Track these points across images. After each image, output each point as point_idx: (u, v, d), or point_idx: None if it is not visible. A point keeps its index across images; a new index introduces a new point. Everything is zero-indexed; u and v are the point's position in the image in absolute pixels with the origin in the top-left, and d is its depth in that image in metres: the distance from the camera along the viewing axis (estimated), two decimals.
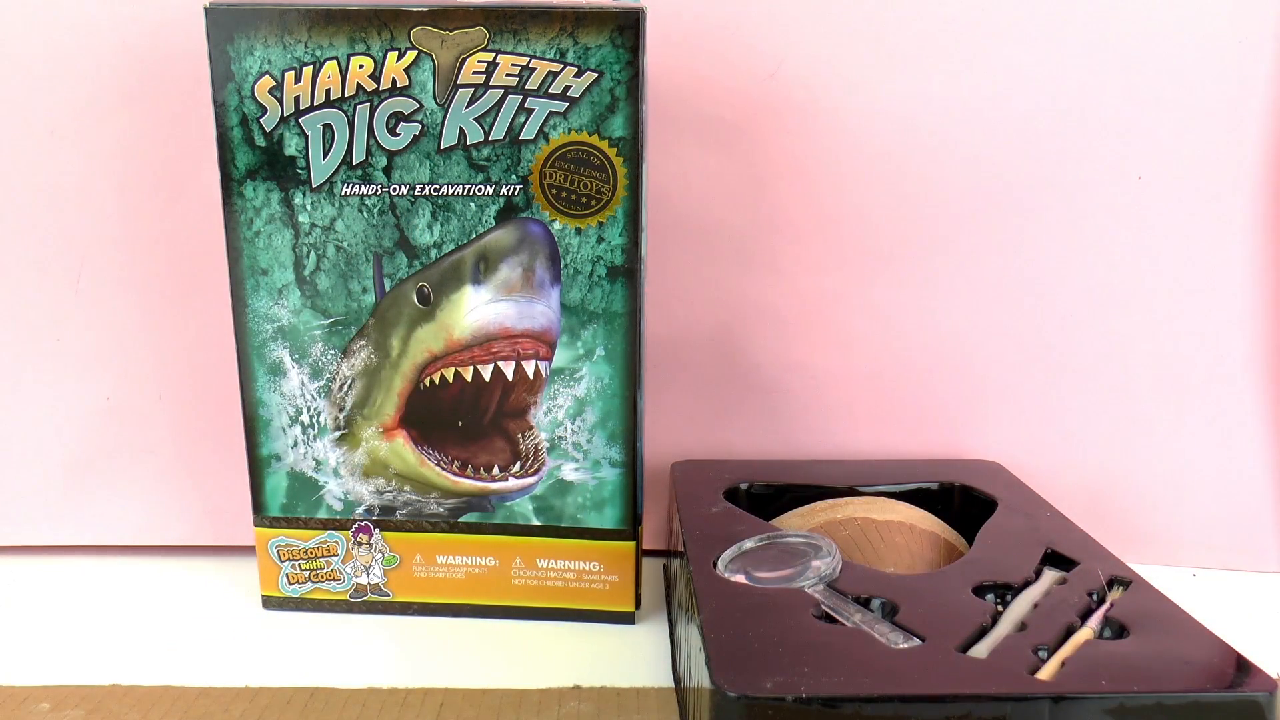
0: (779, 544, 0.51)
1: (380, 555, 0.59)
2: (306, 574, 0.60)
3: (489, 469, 0.57)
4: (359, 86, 0.53)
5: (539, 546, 0.58)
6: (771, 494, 0.62)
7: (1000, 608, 0.46)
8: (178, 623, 0.60)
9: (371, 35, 0.52)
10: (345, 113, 0.53)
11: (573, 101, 0.53)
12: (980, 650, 0.42)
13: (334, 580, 0.60)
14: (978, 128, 0.64)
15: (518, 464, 0.57)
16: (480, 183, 0.54)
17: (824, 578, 0.47)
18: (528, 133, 0.53)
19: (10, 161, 0.64)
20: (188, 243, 0.65)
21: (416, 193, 0.54)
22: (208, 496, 0.68)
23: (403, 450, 0.58)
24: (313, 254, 0.55)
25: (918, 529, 0.55)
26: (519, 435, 0.57)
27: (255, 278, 0.56)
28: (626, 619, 0.59)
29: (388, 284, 0.56)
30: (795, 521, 0.56)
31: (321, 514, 0.59)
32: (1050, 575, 0.49)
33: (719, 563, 0.49)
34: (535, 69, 0.52)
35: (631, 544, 0.58)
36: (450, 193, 0.54)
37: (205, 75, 0.55)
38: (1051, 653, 0.41)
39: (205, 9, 0.53)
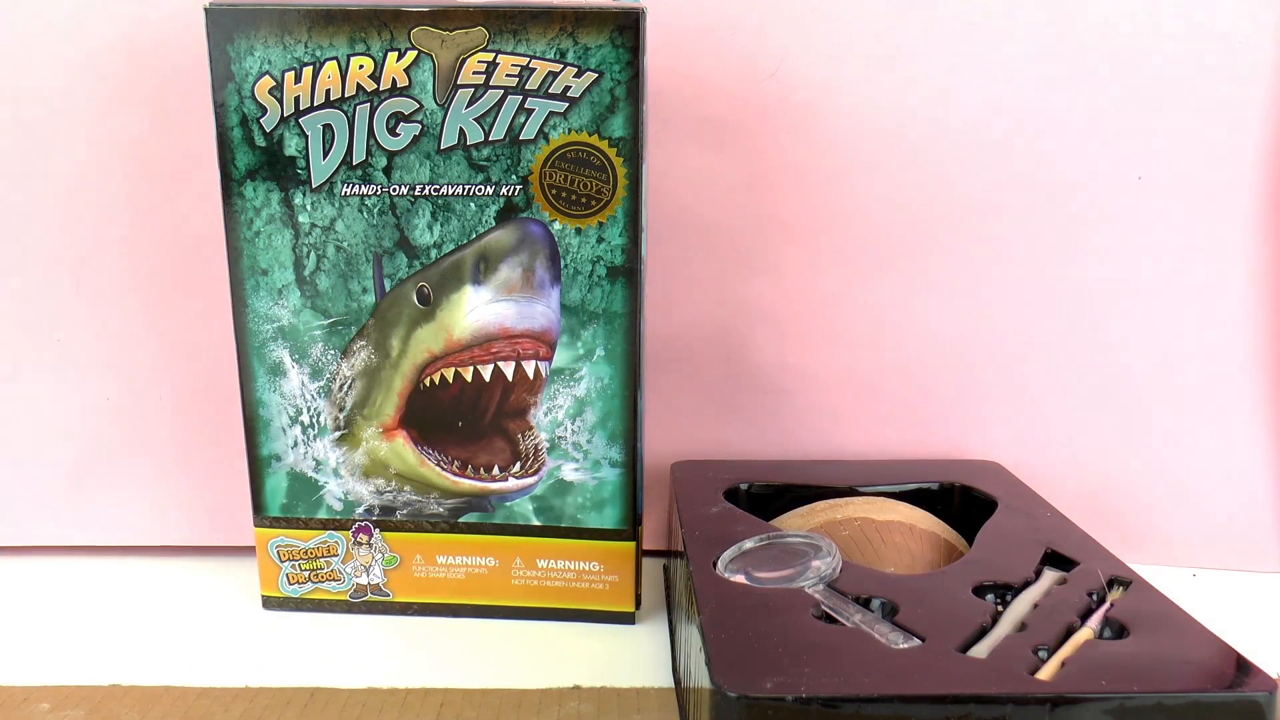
0: (779, 544, 0.51)
1: (380, 555, 0.59)
2: (306, 574, 0.60)
3: (489, 469, 0.57)
4: (359, 87, 0.53)
5: (539, 546, 0.58)
6: (771, 494, 0.62)
7: (1000, 608, 0.46)
8: (178, 623, 0.60)
9: (371, 35, 0.52)
10: (345, 113, 0.53)
11: (573, 101, 0.53)
12: (980, 650, 0.42)
13: (334, 580, 0.60)
14: (977, 127, 0.64)
15: (518, 464, 0.57)
16: (480, 183, 0.54)
17: (824, 578, 0.47)
18: (528, 133, 0.53)
19: (10, 161, 0.64)
20: (188, 243, 0.65)
21: (416, 193, 0.54)
22: (208, 496, 0.68)
23: (403, 450, 0.58)
24: (313, 254, 0.55)
25: (918, 529, 0.55)
26: (519, 435, 0.57)
27: (255, 278, 0.56)
28: (626, 619, 0.59)
29: (388, 284, 0.56)
30: (795, 521, 0.56)
31: (321, 514, 0.59)
32: (1050, 575, 0.49)
33: (719, 563, 0.50)
34: (535, 69, 0.52)
35: (631, 544, 0.58)
36: (450, 193, 0.54)
37: (205, 75, 0.55)
38: (1051, 653, 0.41)
39: (205, 9, 0.53)
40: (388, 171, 0.54)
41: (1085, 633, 0.43)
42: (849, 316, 0.67)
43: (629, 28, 0.51)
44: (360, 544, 0.59)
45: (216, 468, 0.67)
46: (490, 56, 0.52)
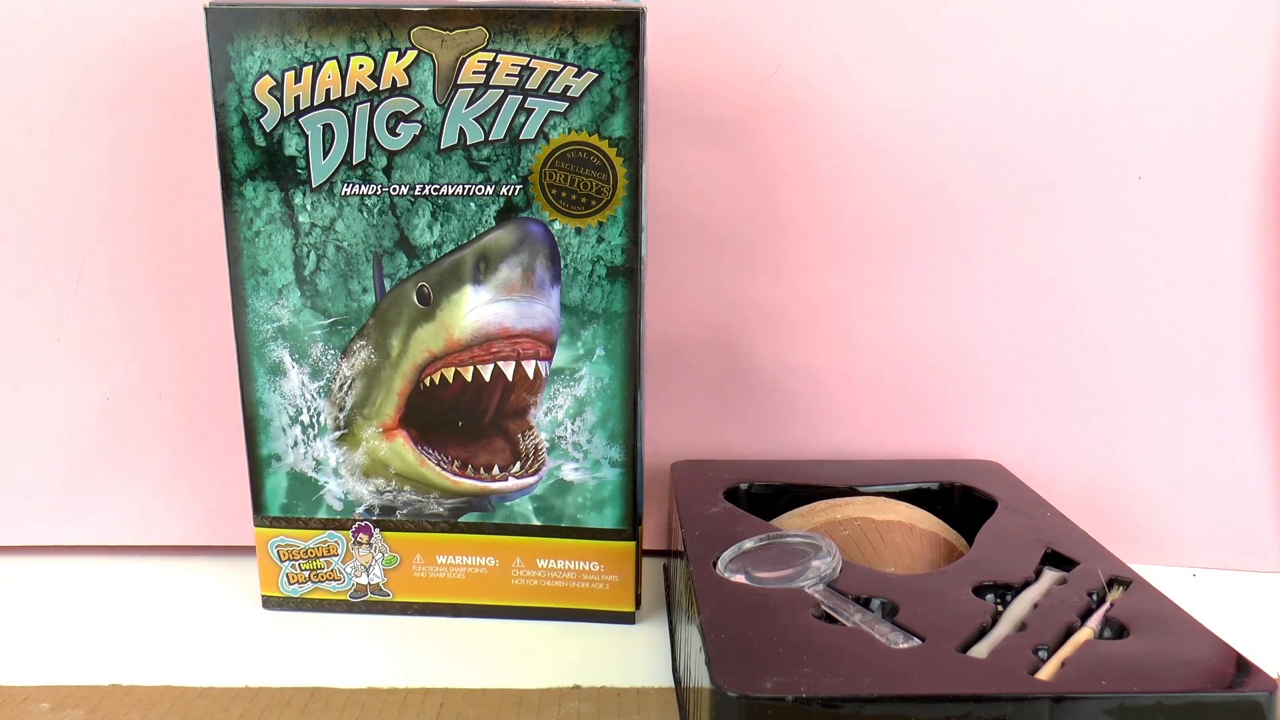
0: (779, 544, 0.51)
1: (380, 555, 0.59)
2: (306, 574, 0.60)
3: (489, 469, 0.57)
4: (359, 86, 0.53)
5: (539, 546, 0.58)
6: (771, 494, 0.62)
7: (1000, 608, 0.46)
8: (178, 623, 0.60)
9: (371, 35, 0.52)
10: (345, 113, 0.53)
11: (573, 101, 0.53)
12: (980, 650, 0.42)
13: (334, 580, 0.60)
14: (977, 128, 0.64)
15: (518, 464, 0.57)
16: (480, 183, 0.54)
17: (824, 578, 0.47)
18: (528, 133, 0.53)
19: (10, 161, 0.64)
20: (188, 243, 0.65)
21: (416, 193, 0.54)
22: (208, 496, 0.68)
23: (403, 450, 0.58)
24: (313, 254, 0.55)
25: (918, 529, 0.55)
26: (519, 435, 0.57)
27: (255, 278, 0.56)
28: (626, 619, 0.59)
29: (388, 284, 0.56)
30: (795, 521, 0.56)
31: (321, 514, 0.59)
32: (1050, 575, 0.49)
33: (719, 563, 0.50)
34: (535, 69, 0.52)
35: (631, 544, 0.58)
36: (450, 193, 0.54)
37: (205, 75, 0.55)
38: (1051, 653, 0.41)
39: (205, 9, 0.53)
40: (388, 171, 0.54)
41: (1085, 633, 0.43)
42: (849, 316, 0.67)
43: (629, 28, 0.51)
44: (360, 544, 0.59)
45: (216, 468, 0.67)
46: (490, 56, 0.52)
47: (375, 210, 0.55)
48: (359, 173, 0.54)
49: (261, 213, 0.55)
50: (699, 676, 0.42)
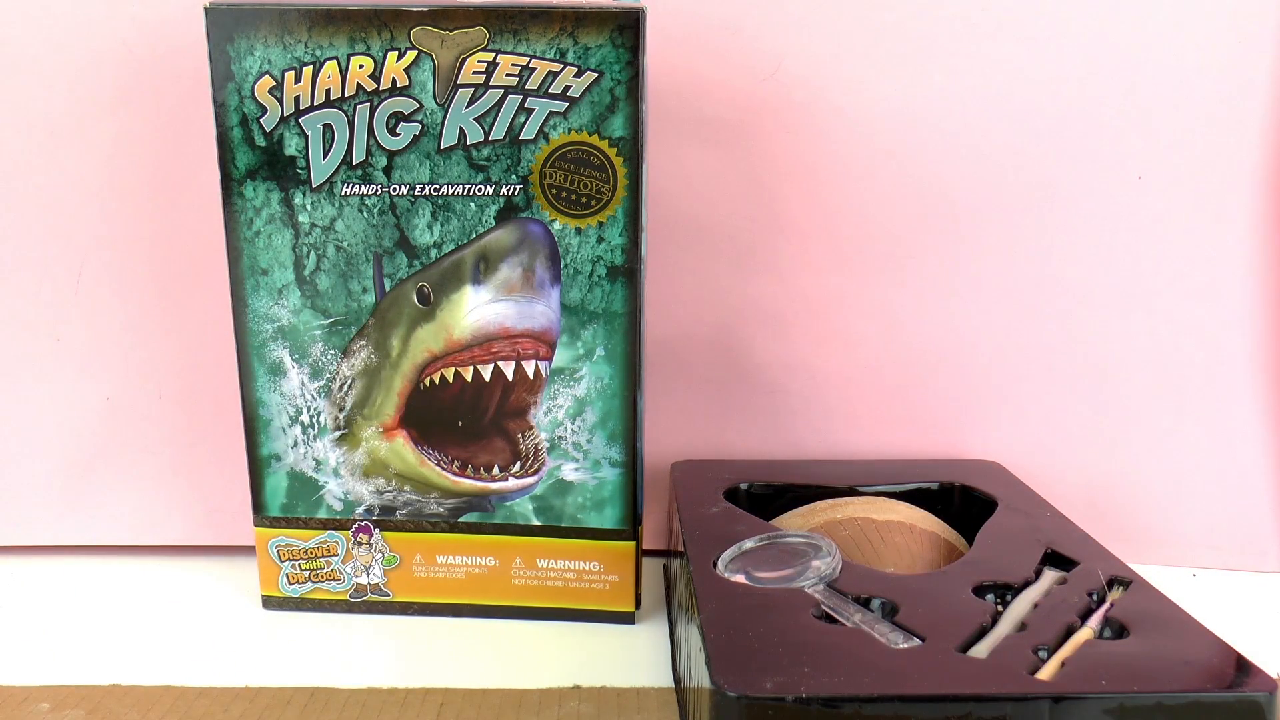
0: (779, 544, 0.51)
1: (380, 555, 0.59)
2: (306, 574, 0.60)
3: (489, 469, 0.57)
4: (359, 86, 0.53)
5: (539, 546, 0.58)
6: (771, 494, 0.62)
7: (1000, 608, 0.46)
8: (178, 623, 0.60)
9: (371, 35, 0.52)
10: (345, 113, 0.53)
11: (573, 101, 0.53)
12: (980, 650, 0.42)
13: (334, 580, 0.60)
14: (977, 128, 0.64)
15: (518, 464, 0.57)
16: (480, 183, 0.54)
17: (824, 578, 0.47)
18: (528, 133, 0.53)
19: (10, 161, 0.64)
20: (187, 243, 0.65)
21: (416, 193, 0.54)
22: (208, 496, 0.68)
23: (403, 450, 0.58)
24: (313, 254, 0.55)
25: (918, 529, 0.55)
26: (519, 435, 0.57)
27: (255, 278, 0.56)
28: (626, 619, 0.59)
29: (388, 284, 0.56)
30: (795, 521, 0.56)
31: (321, 514, 0.59)
32: (1050, 575, 0.49)
33: (719, 563, 0.50)
34: (535, 69, 0.52)
35: (631, 544, 0.58)
36: (450, 193, 0.54)
37: (205, 75, 0.56)
38: (1051, 653, 0.41)
39: (205, 9, 0.53)
40: (388, 171, 0.54)
41: (1085, 633, 0.43)
42: (849, 316, 0.67)
43: (629, 28, 0.51)
44: (360, 544, 0.59)
45: (216, 468, 0.67)
46: (490, 56, 0.52)
47: (375, 210, 0.55)
48: (359, 173, 0.54)
49: (261, 213, 0.55)
50: (699, 676, 0.42)
